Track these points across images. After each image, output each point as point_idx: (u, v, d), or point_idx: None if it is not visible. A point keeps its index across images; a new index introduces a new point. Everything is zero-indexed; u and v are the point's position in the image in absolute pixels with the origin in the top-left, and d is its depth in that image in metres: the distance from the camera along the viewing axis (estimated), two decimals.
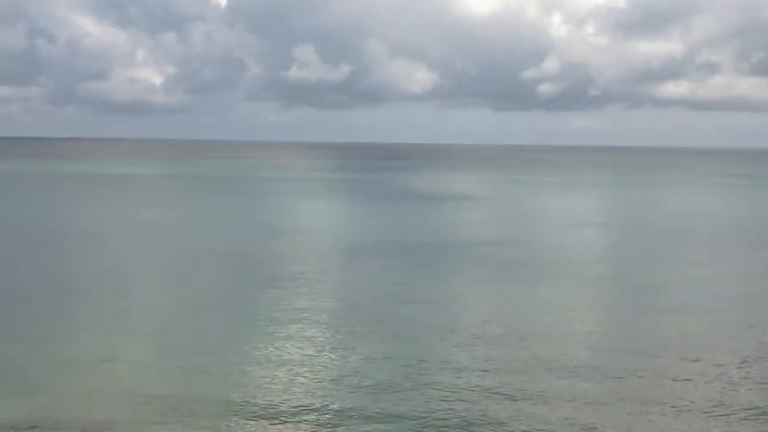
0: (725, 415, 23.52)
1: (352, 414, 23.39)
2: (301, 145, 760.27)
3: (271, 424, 22.66)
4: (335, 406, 24.02)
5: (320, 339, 31.63)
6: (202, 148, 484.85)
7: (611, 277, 47.10)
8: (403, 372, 27.20)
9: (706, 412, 23.68)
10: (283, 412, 23.55)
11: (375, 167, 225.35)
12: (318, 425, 22.64)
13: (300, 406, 24.06)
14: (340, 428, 22.44)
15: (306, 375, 27.01)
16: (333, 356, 29.30)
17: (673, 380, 26.59)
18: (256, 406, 23.99)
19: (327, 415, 23.32)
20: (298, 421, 22.86)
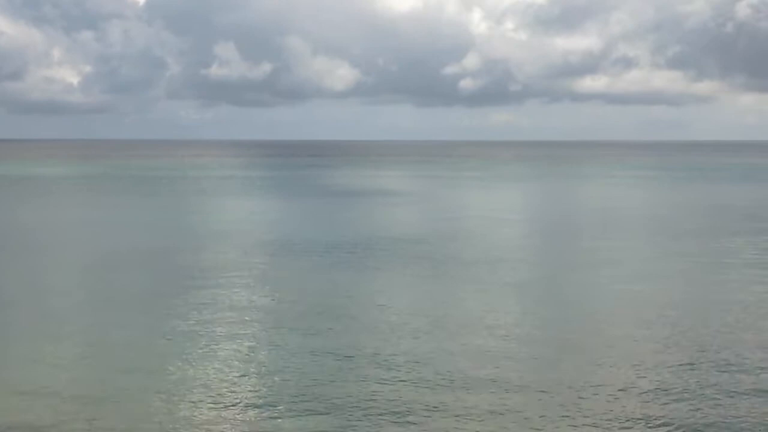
0: (646, 404, 24.08)
1: (279, 411, 23.37)
2: (223, 143, 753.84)
3: (197, 423, 22.52)
4: (261, 404, 23.96)
5: (247, 337, 31.49)
6: (122, 148, 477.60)
7: (534, 271, 47.75)
8: (330, 369, 27.24)
9: (630, 402, 24.20)
10: (208, 410, 23.43)
11: (298, 164, 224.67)
12: (246, 422, 22.58)
13: (226, 404, 23.95)
14: (267, 425, 22.42)
15: (232, 373, 26.89)
16: (259, 354, 29.21)
17: (596, 372, 27.12)
18: (181, 405, 23.82)
19: (254, 413, 23.28)
20: (224, 419, 22.77)
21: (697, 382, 25.80)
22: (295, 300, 38.36)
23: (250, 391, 25.29)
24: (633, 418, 22.76)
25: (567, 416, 22.96)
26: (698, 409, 23.44)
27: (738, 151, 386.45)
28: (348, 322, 33.92)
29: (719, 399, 24.24)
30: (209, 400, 24.33)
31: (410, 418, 22.82)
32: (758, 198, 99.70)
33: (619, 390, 25.03)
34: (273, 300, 38.50)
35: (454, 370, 26.96)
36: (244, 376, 26.75)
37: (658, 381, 25.88)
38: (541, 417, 22.93)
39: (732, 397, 24.45)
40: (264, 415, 23.21)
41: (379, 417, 22.94)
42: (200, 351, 29.54)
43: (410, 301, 38.52)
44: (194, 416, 23.11)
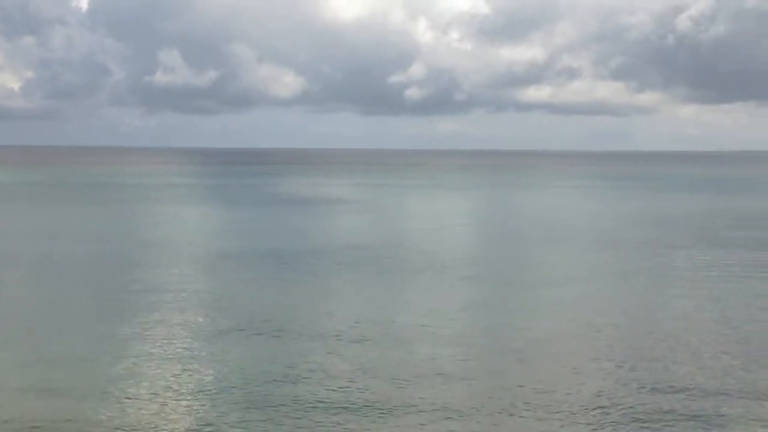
0: (588, 413, 24.21)
1: (223, 422, 23.08)
2: (167, 150, 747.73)
3: None
4: (205, 418, 23.66)
5: (191, 348, 31.09)
6: (64, 154, 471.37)
7: (478, 279, 47.93)
8: (275, 379, 27.00)
9: (571, 412, 24.31)
10: (149, 425, 23.06)
11: (244, 172, 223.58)
12: None
13: (168, 418, 23.60)
14: None
15: (175, 386, 26.50)
16: (204, 366, 28.84)
17: (540, 381, 27.20)
18: (122, 420, 23.42)
19: (197, 425, 22.95)
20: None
21: (635, 398, 26.02)
22: (241, 309, 37.97)
23: (193, 402, 24.92)
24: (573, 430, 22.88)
25: (509, 427, 23.01)
26: (634, 422, 23.64)
27: (680, 162, 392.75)
28: (295, 331, 33.62)
29: (653, 414, 24.47)
30: (152, 415, 23.95)
31: (354, 429, 22.68)
32: (699, 209, 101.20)
33: (561, 400, 25.14)
34: (218, 309, 38.05)
35: (399, 380, 26.85)
36: (188, 386, 26.36)
37: (597, 393, 26.03)
38: (481, 427, 22.95)
39: (666, 414, 24.70)
40: (207, 426, 22.90)
41: (323, 427, 22.76)
42: (143, 364, 29.06)
43: (357, 309, 38.36)
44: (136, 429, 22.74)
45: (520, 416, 23.74)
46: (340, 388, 26.07)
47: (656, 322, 35.89)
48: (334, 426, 22.88)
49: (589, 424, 23.16)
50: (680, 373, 27.95)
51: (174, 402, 24.87)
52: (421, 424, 23.01)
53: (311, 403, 24.67)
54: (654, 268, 51.16)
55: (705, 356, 30.14)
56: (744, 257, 55.57)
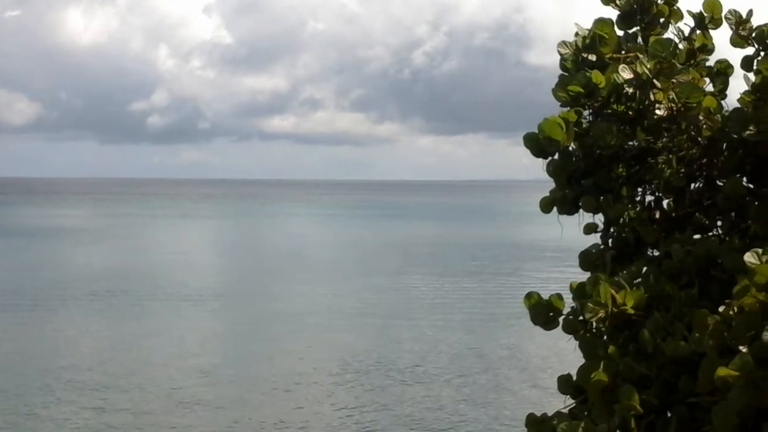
0: None
1: None
2: None
3: None
4: None
5: None
6: None
7: (222, 310, 48.01)
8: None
9: None
10: None
11: None
12: None
13: None
14: None
15: None
16: None
17: (279, 412, 27.88)
18: None
19: None
20: None
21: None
22: None
23: None
24: None
25: None
26: None
27: (417, 191, 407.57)
28: (24, 372, 32.44)
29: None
30: None
31: None
32: (433, 236, 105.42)
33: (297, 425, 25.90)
34: None
35: (137, 414, 26.65)
36: None
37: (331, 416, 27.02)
38: None
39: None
40: None
41: None
42: None
43: (95, 344, 37.53)
44: None
45: None
46: (81, 426, 25.54)
47: (396, 350, 37.44)
48: None
49: None
50: (411, 396, 29.51)
51: None
52: None
53: None
54: (394, 297, 53.09)
55: (441, 384, 31.87)
56: (474, 285, 58.84)
